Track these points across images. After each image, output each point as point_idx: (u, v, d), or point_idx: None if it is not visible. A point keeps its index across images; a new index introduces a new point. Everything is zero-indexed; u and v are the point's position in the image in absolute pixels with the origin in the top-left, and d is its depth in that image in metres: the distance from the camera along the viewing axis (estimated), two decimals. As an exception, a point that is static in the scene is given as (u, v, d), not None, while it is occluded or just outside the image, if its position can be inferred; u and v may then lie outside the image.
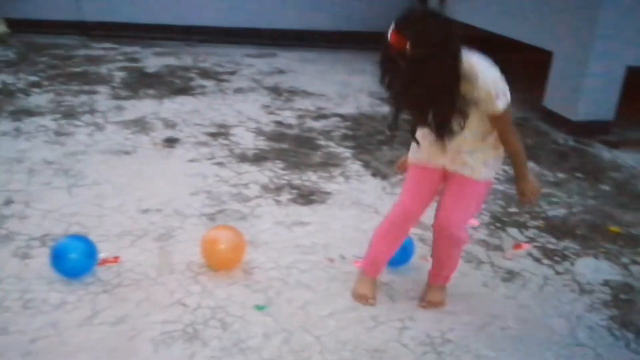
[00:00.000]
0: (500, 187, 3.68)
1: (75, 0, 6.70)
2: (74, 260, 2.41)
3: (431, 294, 2.50)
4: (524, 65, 5.95)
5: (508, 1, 5.57)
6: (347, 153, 4.10)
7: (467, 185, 2.23)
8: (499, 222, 3.26)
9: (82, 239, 2.54)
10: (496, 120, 2.06)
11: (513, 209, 3.41)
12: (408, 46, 1.79)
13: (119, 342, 2.16)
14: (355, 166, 3.88)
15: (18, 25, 6.64)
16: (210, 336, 2.23)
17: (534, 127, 4.88)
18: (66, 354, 2.08)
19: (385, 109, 5.13)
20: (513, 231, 3.17)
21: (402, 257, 2.63)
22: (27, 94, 4.81)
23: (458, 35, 1.88)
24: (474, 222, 3.22)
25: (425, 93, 1.90)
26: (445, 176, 2.28)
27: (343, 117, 4.86)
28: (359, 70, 6.49)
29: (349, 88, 5.75)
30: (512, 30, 5.43)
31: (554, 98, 4.95)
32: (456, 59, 1.88)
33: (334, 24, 7.47)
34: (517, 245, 3.02)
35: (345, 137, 4.40)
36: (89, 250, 2.47)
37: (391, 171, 3.69)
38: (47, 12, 6.79)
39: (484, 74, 1.95)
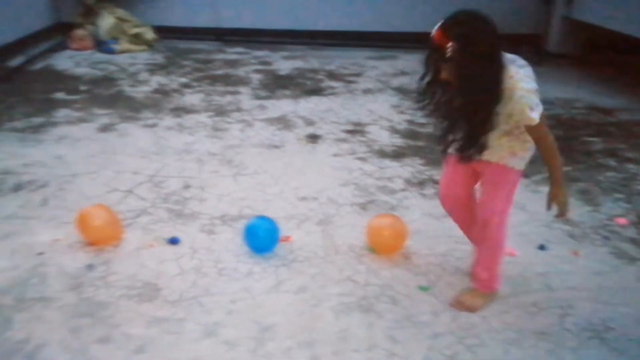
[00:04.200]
0: (646, 189, 3.66)
1: (213, 8, 7.27)
2: (263, 238, 2.74)
3: (466, 294, 2.50)
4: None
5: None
6: (482, 152, 4.20)
7: (498, 172, 2.26)
8: (648, 222, 3.26)
9: (269, 220, 2.86)
10: (531, 130, 2.06)
11: (662, 210, 3.39)
12: (450, 47, 1.82)
13: (305, 308, 2.45)
14: (492, 164, 3.98)
15: (161, 32, 7.30)
16: (383, 310, 2.46)
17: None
18: (263, 315, 2.39)
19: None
20: (665, 231, 3.17)
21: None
22: (181, 93, 5.33)
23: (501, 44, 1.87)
24: (622, 221, 3.24)
25: (462, 102, 1.93)
26: (480, 165, 2.27)
27: (473, 117, 4.95)
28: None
29: (474, 90, 5.81)
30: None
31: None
32: (499, 72, 1.89)
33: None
34: (672, 245, 3.02)
35: (478, 137, 4.50)
36: (274, 230, 2.80)
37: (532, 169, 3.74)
38: (188, 19, 7.42)
39: (521, 87, 1.95)
